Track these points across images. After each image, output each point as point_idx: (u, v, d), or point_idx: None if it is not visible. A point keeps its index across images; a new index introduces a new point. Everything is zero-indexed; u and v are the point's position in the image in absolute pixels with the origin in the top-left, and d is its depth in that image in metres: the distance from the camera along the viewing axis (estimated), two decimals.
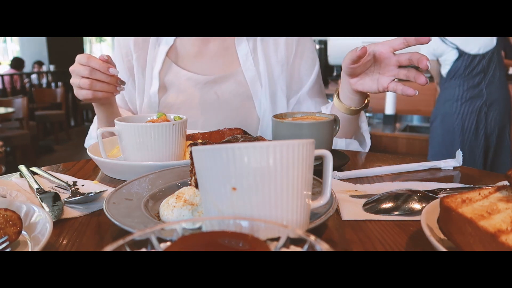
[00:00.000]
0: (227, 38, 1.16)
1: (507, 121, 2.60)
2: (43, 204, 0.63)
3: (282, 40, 1.14)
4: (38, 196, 0.66)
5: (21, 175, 0.79)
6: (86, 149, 0.87)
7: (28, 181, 0.74)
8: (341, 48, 4.55)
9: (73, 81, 0.88)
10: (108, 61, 0.87)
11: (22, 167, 0.82)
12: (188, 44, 1.15)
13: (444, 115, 2.63)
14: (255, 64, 1.12)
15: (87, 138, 1.14)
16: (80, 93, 0.88)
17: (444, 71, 2.65)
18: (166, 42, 1.14)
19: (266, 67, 1.12)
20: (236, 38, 1.14)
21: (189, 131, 0.92)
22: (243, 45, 1.13)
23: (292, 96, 1.16)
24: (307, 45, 1.17)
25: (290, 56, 1.15)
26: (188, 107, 1.11)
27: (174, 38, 1.15)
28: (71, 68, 0.87)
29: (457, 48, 2.52)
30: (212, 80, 1.12)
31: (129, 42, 1.14)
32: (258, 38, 1.14)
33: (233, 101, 1.11)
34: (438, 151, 2.69)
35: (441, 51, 2.60)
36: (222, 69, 1.14)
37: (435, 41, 2.58)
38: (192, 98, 1.11)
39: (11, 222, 0.49)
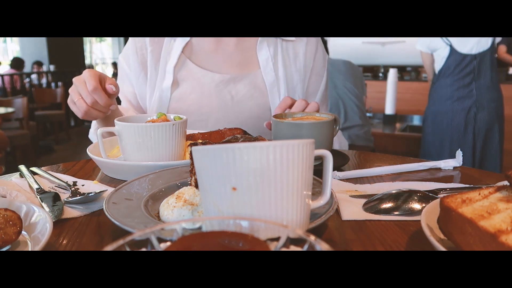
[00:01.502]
0: (245, 39, 1.16)
1: (496, 123, 2.61)
2: (43, 204, 0.63)
3: (301, 51, 1.16)
4: (38, 196, 0.66)
5: (21, 175, 0.79)
6: (86, 149, 0.87)
7: (28, 181, 0.74)
8: (341, 48, 4.55)
9: (72, 93, 0.87)
10: (114, 93, 0.87)
11: (22, 167, 0.82)
12: (204, 41, 1.15)
13: (435, 114, 2.65)
14: (275, 69, 1.13)
15: (91, 130, 1.14)
16: (73, 108, 0.88)
17: (437, 67, 2.66)
18: (182, 38, 1.13)
19: (285, 74, 1.13)
20: (258, 42, 1.14)
21: (189, 131, 0.92)
22: (264, 50, 1.13)
23: None
24: (321, 61, 1.20)
25: (308, 68, 1.17)
26: (200, 105, 1.10)
27: None
28: (76, 80, 0.86)
29: (450, 46, 2.53)
30: (227, 79, 1.12)
31: None
32: (279, 45, 1.15)
33: (246, 103, 1.11)
34: (428, 150, 2.71)
35: (435, 46, 2.62)
36: (238, 69, 1.14)
37: None
38: (205, 95, 1.10)
39: (11, 222, 0.49)
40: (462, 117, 2.55)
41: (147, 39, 1.13)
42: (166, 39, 1.13)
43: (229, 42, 1.15)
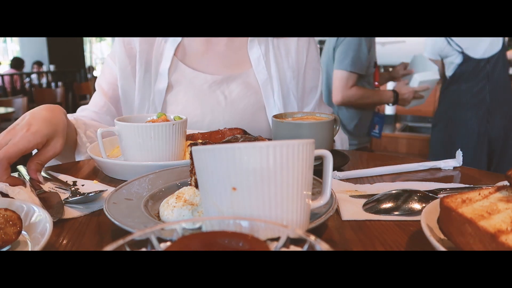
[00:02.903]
0: (235, 38, 1.16)
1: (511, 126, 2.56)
2: (43, 204, 0.63)
3: (292, 47, 1.16)
4: (38, 197, 0.66)
5: (20, 176, 0.79)
6: (86, 149, 0.87)
7: (27, 182, 0.74)
8: None
9: None
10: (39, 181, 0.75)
11: (21, 168, 0.81)
12: (195, 42, 1.15)
13: (448, 120, 2.61)
14: (267, 68, 1.13)
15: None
16: None
17: (448, 73, 2.63)
18: (173, 39, 1.13)
19: (278, 72, 1.13)
20: (248, 41, 1.14)
21: (189, 131, 0.92)
22: (255, 49, 1.13)
23: (304, 107, 1.18)
24: (315, 55, 1.20)
25: (302, 64, 1.17)
26: (194, 106, 1.09)
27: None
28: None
29: (462, 53, 2.50)
30: (220, 80, 1.11)
31: None
32: (270, 42, 1.14)
33: (240, 102, 1.11)
34: (439, 155, 2.67)
35: (446, 53, 2.58)
36: (230, 69, 1.14)
37: (442, 41, 2.57)
38: (198, 97, 1.10)
39: (11, 222, 0.49)
40: (476, 124, 2.51)
41: (136, 38, 1.11)
42: (157, 40, 1.12)
43: (220, 43, 1.15)
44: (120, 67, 1.11)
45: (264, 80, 1.12)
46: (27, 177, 0.76)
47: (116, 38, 1.14)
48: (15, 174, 0.81)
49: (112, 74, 1.13)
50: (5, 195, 0.68)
